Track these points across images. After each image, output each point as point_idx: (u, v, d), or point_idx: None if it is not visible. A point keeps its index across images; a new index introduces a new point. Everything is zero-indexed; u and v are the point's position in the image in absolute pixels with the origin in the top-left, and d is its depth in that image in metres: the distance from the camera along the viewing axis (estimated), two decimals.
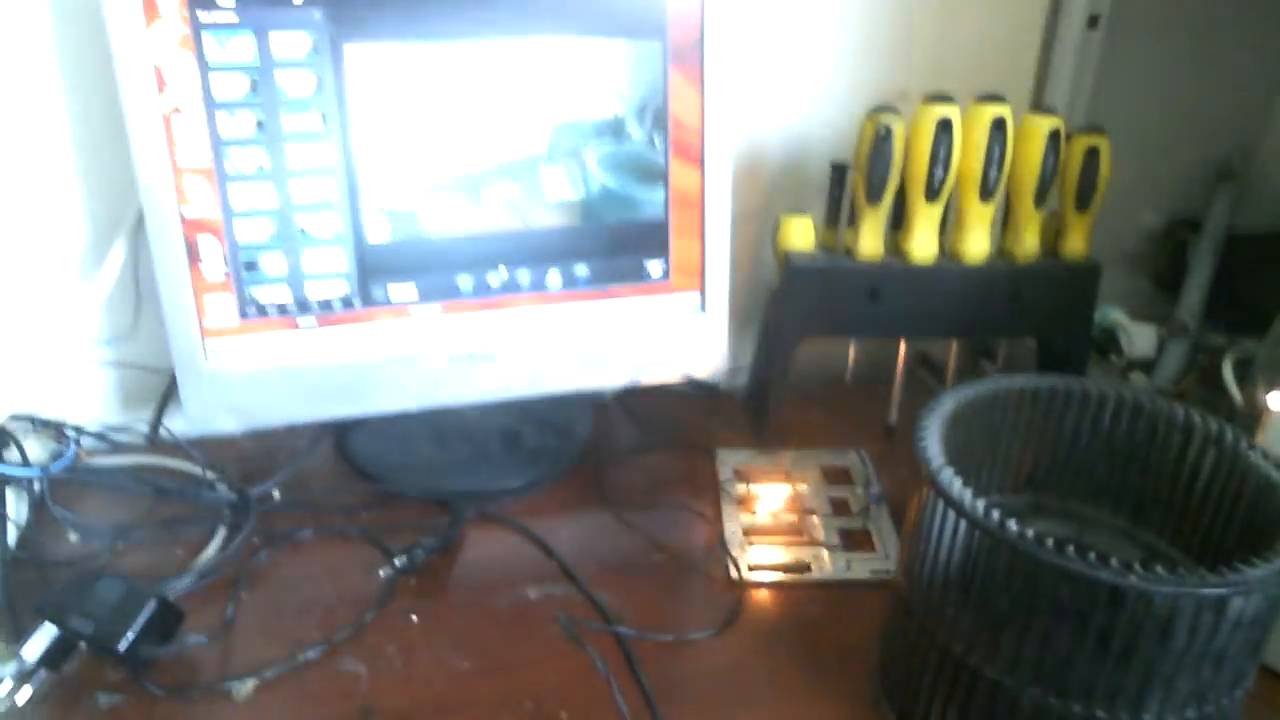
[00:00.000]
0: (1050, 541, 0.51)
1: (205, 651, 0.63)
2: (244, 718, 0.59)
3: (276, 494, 0.78)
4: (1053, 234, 0.86)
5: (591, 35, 0.75)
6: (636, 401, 0.97)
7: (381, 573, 0.69)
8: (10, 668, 0.58)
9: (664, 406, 0.96)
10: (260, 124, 0.70)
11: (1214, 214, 1.01)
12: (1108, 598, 0.50)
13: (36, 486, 0.73)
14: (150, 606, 0.59)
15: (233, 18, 0.67)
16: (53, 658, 0.58)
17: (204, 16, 0.67)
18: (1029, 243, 0.85)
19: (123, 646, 0.57)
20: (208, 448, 0.80)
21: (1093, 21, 0.98)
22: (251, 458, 0.82)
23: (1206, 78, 1.02)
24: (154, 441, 0.86)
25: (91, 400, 0.87)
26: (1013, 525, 0.53)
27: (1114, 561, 0.50)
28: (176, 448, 0.82)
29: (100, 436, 0.82)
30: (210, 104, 0.69)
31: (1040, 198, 0.82)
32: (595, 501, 0.81)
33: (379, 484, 0.81)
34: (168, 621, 0.61)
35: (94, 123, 0.79)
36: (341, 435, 0.87)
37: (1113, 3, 0.97)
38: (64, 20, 0.76)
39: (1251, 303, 0.96)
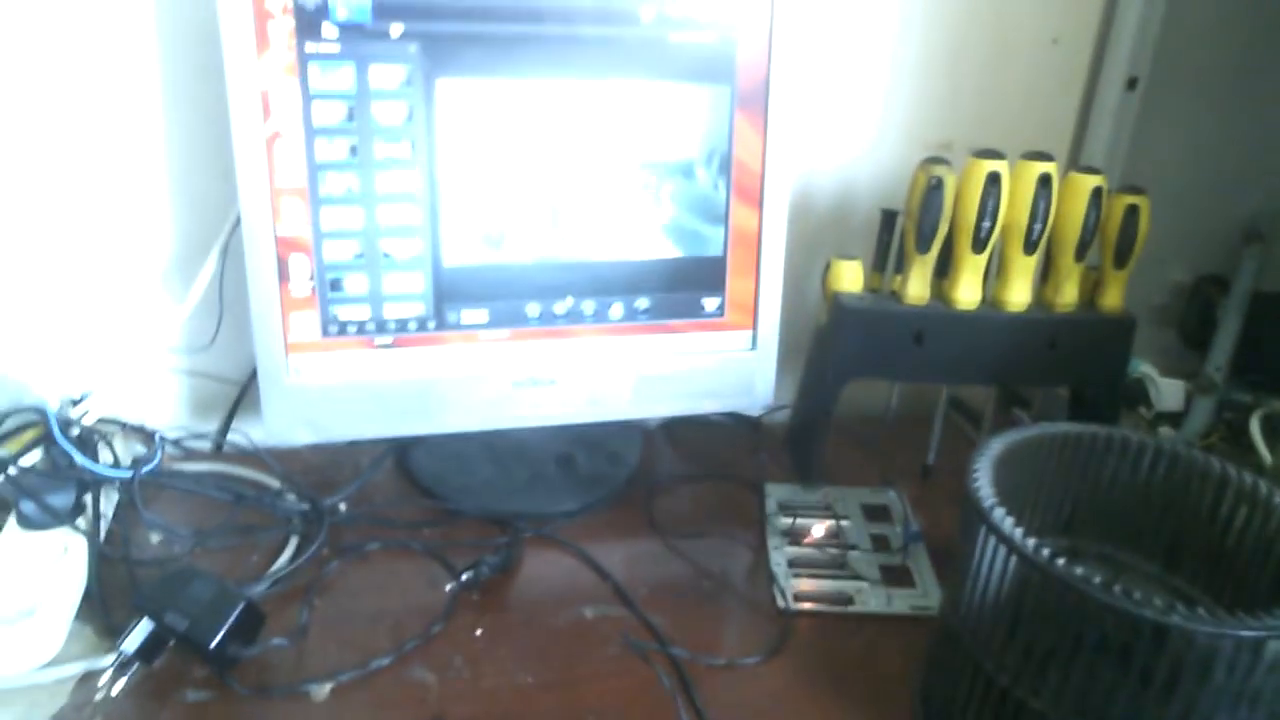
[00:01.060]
0: (1098, 579, 0.55)
1: (282, 654, 0.66)
2: (322, 719, 0.62)
3: (343, 506, 0.81)
4: (1090, 287, 0.89)
5: (666, 79, 0.79)
6: (681, 432, 1.00)
7: (447, 587, 0.73)
8: (109, 659, 0.61)
9: (707, 438, 0.99)
10: (354, 149, 0.74)
11: (1241, 274, 1.04)
12: (1151, 635, 0.53)
13: (123, 489, 0.76)
14: (240, 607, 0.62)
15: (335, 48, 0.72)
16: (147, 651, 0.61)
17: (310, 47, 0.71)
18: (1068, 294, 0.88)
19: (213, 644, 0.61)
20: (274, 459, 0.83)
21: (1131, 83, 1.01)
22: (315, 470, 0.86)
23: (1238, 141, 1.05)
24: (219, 449, 0.90)
25: (163, 407, 0.91)
26: (1062, 563, 0.56)
27: (1158, 601, 0.53)
28: (244, 456, 0.86)
29: (175, 443, 0.86)
30: (310, 129, 0.73)
31: (1081, 252, 0.85)
32: (645, 528, 0.84)
33: (440, 501, 0.84)
34: (252, 623, 0.64)
35: (191, 143, 0.84)
36: (403, 452, 0.90)
37: (1151, 67, 1.00)
38: (170, 46, 0.81)
39: (1277, 362, 0.99)
